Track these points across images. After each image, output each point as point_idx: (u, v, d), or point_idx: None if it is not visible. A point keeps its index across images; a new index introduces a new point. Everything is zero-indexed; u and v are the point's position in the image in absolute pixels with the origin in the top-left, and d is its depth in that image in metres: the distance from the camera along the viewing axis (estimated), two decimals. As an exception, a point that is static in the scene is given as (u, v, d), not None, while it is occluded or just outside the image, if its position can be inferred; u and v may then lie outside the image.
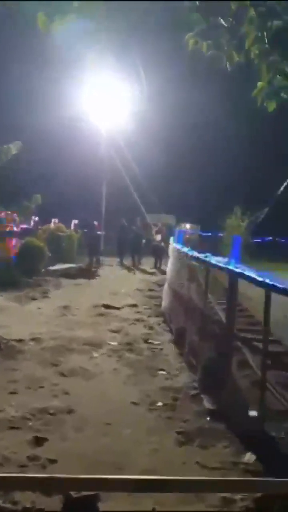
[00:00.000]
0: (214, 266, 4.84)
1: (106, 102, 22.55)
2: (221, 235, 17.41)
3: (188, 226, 21.62)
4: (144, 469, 3.53)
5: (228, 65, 4.69)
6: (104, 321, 8.10)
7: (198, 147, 27.39)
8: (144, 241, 17.50)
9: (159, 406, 4.63)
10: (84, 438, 3.95)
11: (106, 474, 3.50)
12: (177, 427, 4.17)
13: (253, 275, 3.78)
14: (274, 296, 3.77)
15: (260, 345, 5.35)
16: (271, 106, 4.64)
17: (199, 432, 4.09)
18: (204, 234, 19.68)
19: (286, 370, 5.18)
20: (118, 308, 9.10)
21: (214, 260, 4.90)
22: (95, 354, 6.18)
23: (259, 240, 15.67)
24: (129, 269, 16.50)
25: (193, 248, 7.61)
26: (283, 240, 16.64)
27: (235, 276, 4.25)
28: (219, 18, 4.42)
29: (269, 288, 3.48)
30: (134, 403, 4.70)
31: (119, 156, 23.81)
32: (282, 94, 4.59)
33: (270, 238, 16.94)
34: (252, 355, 5.87)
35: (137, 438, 4.00)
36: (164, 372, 5.59)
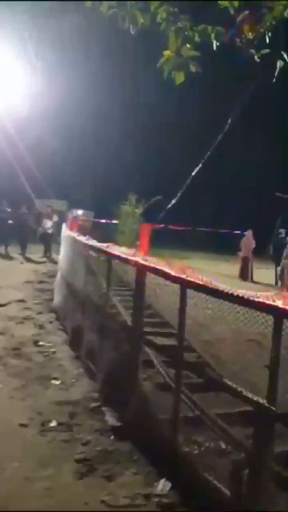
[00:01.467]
0: (119, 258, 4.16)
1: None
2: (116, 222, 16.86)
3: (80, 212, 20.67)
4: (37, 518, 2.78)
5: (131, 28, 4.05)
6: (-14, 320, 7.01)
7: (90, 131, 26.55)
8: (37, 228, 16.17)
9: (53, 426, 3.91)
10: None
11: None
12: (76, 453, 3.51)
13: (166, 269, 3.18)
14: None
15: (162, 340, 4.89)
16: (180, 78, 4.09)
17: (102, 457, 3.47)
18: (98, 221, 18.93)
19: (190, 370, 4.66)
20: (3, 305, 8.01)
21: (118, 251, 4.22)
22: (-26, 363, 5.19)
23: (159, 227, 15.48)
24: (14, 258, 15.07)
25: (87, 235, 6.84)
26: (175, 228, 16.71)
27: (143, 270, 3.63)
28: None
29: (187, 285, 2.90)
30: (22, 425, 3.93)
31: (5, 138, 21.89)
32: (191, 66, 4.08)
33: (163, 225, 16.87)
34: (154, 352, 5.35)
35: (27, 474, 3.25)
36: (58, 382, 4.84)
